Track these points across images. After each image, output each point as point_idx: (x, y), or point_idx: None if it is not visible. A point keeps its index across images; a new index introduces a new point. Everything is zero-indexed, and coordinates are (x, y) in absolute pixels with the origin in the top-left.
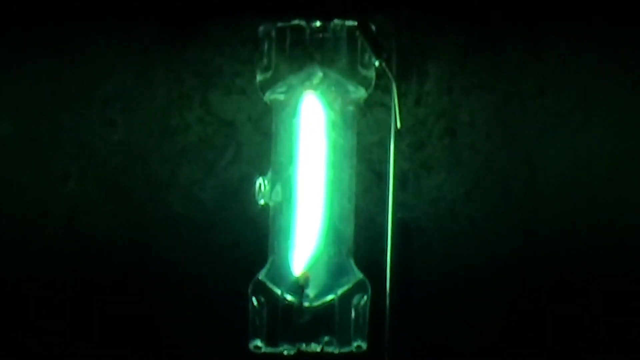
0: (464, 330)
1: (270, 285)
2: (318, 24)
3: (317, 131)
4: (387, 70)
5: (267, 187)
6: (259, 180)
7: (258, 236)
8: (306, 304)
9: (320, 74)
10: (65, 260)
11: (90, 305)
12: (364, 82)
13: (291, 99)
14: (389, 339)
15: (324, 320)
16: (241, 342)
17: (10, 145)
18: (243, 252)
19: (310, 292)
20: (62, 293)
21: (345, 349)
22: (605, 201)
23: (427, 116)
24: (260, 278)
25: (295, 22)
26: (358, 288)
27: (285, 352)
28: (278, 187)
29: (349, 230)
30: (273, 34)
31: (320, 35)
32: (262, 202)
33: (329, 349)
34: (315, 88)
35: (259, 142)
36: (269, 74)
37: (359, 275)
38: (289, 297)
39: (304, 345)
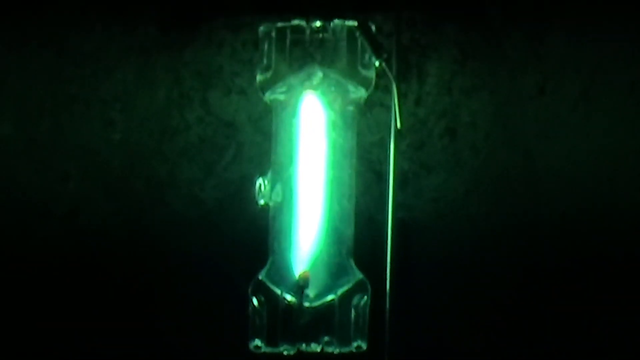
0: (464, 330)
1: (270, 285)
2: (318, 24)
3: (317, 131)
4: (387, 70)
5: (267, 187)
6: (259, 180)
7: (258, 236)
8: (306, 304)
9: (320, 74)
10: (66, 259)
11: (90, 305)
12: (364, 82)
13: (291, 99)
14: (389, 339)
15: (324, 321)
16: (241, 342)
17: (10, 145)
18: (243, 252)
19: (310, 292)
20: (62, 293)
21: (345, 349)
22: (605, 201)
23: (427, 116)
24: (260, 278)
25: (295, 22)
26: (358, 288)
27: (285, 352)
28: (278, 187)
29: (349, 230)
30: (273, 34)
31: (320, 35)
32: (262, 202)
33: (329, 349)
34: (315, 88)
35: (259, 142)
36: (269, 74)
37: (359, 275)
38: (289, 297)
39: (304, 345)
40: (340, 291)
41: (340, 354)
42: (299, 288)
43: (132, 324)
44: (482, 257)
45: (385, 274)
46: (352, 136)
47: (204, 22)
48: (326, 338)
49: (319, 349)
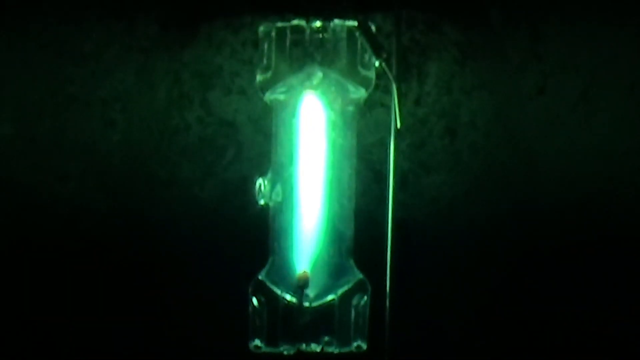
0: (464, 330)
1: (270, 285)
2: (318, 24)
3: (317, 131)
4: (387, 70)
5: (267, 187)
6: (259, 180)
7: (258, 236)
8: (306, 304)
9: (320, 74)
10: (65, 260)
11: (90, 305)
12: (364, 82)
13: (291, 99)
14: (389, 339)
15: (324, 321)
16: (241, 342)
17: (10, 145)
18: (243, 252)
19: (310, 292)
20: (62, 293)
21: (345, 349)
22: (605, 201)
23: (427, 116)
24: (260, 278)
25: (295, 22)
26: (358, 288)
27: (285, 352)
28: (278, 187)
29: (349, 230)
30: (273, 34)
31: (320, 35)
32: (262, 202)
33: (329, 349)
34: (315, 88)
35: (259, 142)
36: (269, 74)
37: (359, 275)
38: (289, 297)
39: (304, 345)
40: (340, 291)
41: (340, 354)
42: (299, 288)
43: (132, 324)
44: (482, 257)
45: (385, 274)
46: (352, 136)
47: (204, 22)
48: (326, 338)
49: (319, 349)
